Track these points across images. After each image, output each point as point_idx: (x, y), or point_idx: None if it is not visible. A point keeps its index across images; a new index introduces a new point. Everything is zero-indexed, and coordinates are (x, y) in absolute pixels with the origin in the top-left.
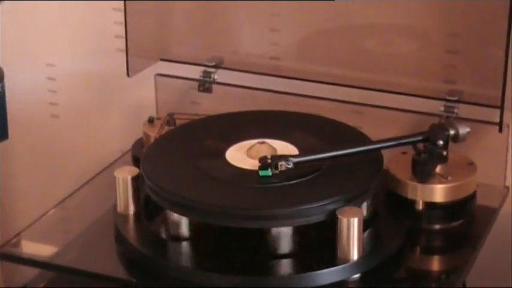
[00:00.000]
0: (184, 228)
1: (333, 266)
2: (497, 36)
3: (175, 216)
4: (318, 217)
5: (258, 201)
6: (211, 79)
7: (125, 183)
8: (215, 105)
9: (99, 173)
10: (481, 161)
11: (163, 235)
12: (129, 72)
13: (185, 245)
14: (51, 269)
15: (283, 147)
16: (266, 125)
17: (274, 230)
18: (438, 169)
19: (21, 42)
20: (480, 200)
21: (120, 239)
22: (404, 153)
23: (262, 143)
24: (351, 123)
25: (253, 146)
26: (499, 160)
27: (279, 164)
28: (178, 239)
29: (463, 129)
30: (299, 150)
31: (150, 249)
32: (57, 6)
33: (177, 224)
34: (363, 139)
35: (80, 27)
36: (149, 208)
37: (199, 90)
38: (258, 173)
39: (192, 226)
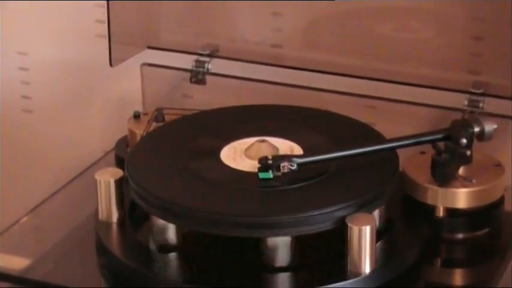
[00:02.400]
0: (174, 238)
1: (342, 280)
2: None
3: (164, 224)
4: (325, 225)
5: (257, 207)
6: (205, 69)
7: (108, 186)
8: (209, 99)
9: (78, 176)
10: (509, 161)
11: (151, 245)
12: (112, 62)
13: (175, 256)
14: (23, 283)
15: (286, 147)
16: (267, 121)
17: (276, 240)
18: (461, 171)
19: None
20: (509, 206)
21: (101, 249)
22: (422, 153)
23: (262, 141)
24: (363, 119)
25: (252, 145)
26: None
27: (281, 165)
28: (168, 249)
29: (489, 126)
30: (304, 149)
31: (135, 261)
32: None
33: (167, 233)
34: (376, 137)
35: (56, 10)
36: (135, 215)
37: (191, 81)
38: (258, 175)
39: (183, 235)
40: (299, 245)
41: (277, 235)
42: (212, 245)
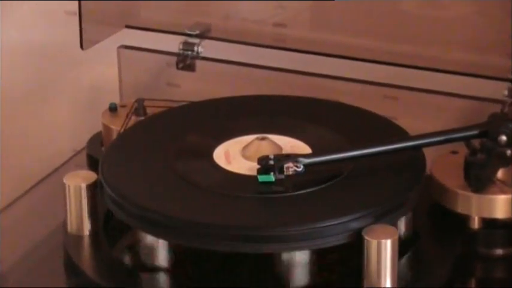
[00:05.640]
0: (160, 255)
1: None
2: None
3: (147, 238)
4: (337, 239)
5: (257, 217)
6: (195, 53)
7: (78, 193)
8: (199, 88)
9: (42, 180)
10: None
11: (131, 263)
12: (83, 44)
13: (161, 276)
14: None
15: (291, 145)
16: (268, 114)
17: (280, 256)
18: (500, 174)
19: None
20: None
21: (71, 268)
22: (454, 152)
23: (263, 138)
24: (382, 112)
25: (250, 143)
26: None
27: (285, 166)
28: (152, 268)
29: None
30: (312, 148)
31: (111, 282)
32: None
33: (150, 249)
34: (399, 134)
35: None
36: (111, 227)
37: (177, 67)
38: (257, 179)
39: (170, 251)
40: (307, 261)
41: (280, 250)
42: (206, 263)
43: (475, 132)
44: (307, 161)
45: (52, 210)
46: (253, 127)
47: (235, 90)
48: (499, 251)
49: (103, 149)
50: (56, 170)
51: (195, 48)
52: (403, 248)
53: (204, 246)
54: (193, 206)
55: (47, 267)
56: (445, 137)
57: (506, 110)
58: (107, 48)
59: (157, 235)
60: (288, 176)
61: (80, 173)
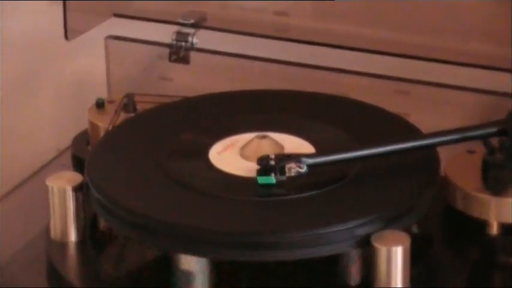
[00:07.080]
0: (150, 262)
1: None
2: None
3: (137, 244)
4: (344, 245)
5: (257, 222)
6: (189, 43)
7: (63, 196)
8: (194, 82)
9: (24, 182)
10: None
11: (120, 272)
12: (68, 34)
13: (153, 285)
14: None
15: (293, 144)
16: (268, 110)
17: (282, 264)
18: None
19: None
20: None
21: (54, 277)
22: (471, 152)
23: (263, 137)
24: (393, 108)
25: (249, 142)
26: None
27: (287, 167)
28: (142, 278)
29: None
30: (316, 147)
31: None
32: None
33: (140, 257)
34: (411, 131)
35: None
36: (98, 233)
37: (170, 59)
38: (257, 181)
39: (162, 257)
40: (305, 269)
41: (281, 258)
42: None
43: (493, 129)
44: (310, 161)
45: (34, 214)
46: (252, 124)
47: (233, 84)
48: None
49: (89, 148)
50: (38, 171)
51: (190, 39)
52: (414, 255)
53: (198, 254)
54: (187, 210)
55: (28, 276)
56: (461, 135)
57: None
58: (94, 39)
59: (147, 241)
60: (289, 178)
61: (64, 175)
